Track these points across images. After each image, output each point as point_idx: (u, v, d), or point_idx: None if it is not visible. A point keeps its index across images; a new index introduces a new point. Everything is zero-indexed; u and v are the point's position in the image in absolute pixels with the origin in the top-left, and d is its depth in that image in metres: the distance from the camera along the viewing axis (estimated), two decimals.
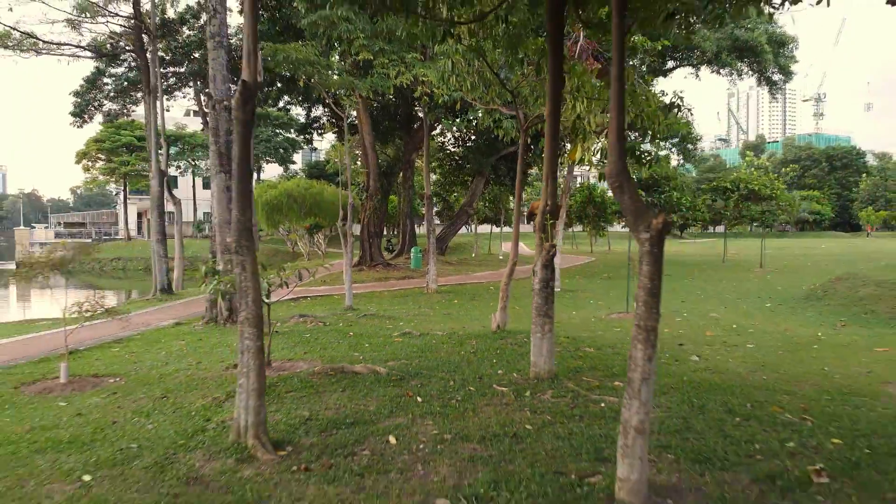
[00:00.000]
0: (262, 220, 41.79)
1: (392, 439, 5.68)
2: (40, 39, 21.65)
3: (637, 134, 13.57)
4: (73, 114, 29.94)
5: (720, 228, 64.36)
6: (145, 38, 22.86)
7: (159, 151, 23.47)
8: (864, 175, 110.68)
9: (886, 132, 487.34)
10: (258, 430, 5.64)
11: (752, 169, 60.27)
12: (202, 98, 25.78)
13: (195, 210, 72.61)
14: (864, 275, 18.61)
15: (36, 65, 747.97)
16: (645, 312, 4.41)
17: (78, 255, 56.67)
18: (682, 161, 39.59)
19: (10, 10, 31.91)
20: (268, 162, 69.20)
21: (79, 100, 30.03)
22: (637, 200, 4.67)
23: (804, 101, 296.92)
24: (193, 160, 68.19)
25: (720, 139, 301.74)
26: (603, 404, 6.68)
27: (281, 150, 64.70)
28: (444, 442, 5.58)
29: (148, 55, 22.96)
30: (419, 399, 7.02)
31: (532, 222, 9.20)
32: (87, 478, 4.94)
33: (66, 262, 19.75)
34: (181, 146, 65.42)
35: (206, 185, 71.90)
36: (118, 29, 24.58)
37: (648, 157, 10.56)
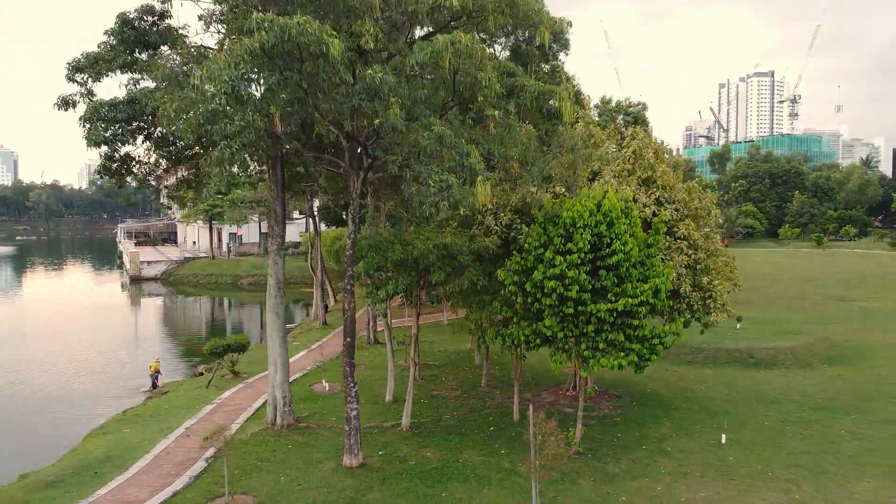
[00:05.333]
0: (331, 260, 64.60)
1: (444, 378, 28.89)
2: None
3: None
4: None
5: None
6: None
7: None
8: (797, 192, 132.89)
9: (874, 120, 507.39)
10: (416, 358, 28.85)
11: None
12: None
13: (259, 231, 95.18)
14: None
15: (37, 56, 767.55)
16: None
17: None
18: None
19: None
20: None
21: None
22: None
23: (779, 102, 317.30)
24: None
25: (703, 136, 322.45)
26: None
27: None
28: (452, 377, 28.75)
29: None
30: (447, 371, 30.19)
31: None
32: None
33: None
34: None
35: None
36: None
37: None
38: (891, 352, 32.95)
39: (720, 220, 25.01)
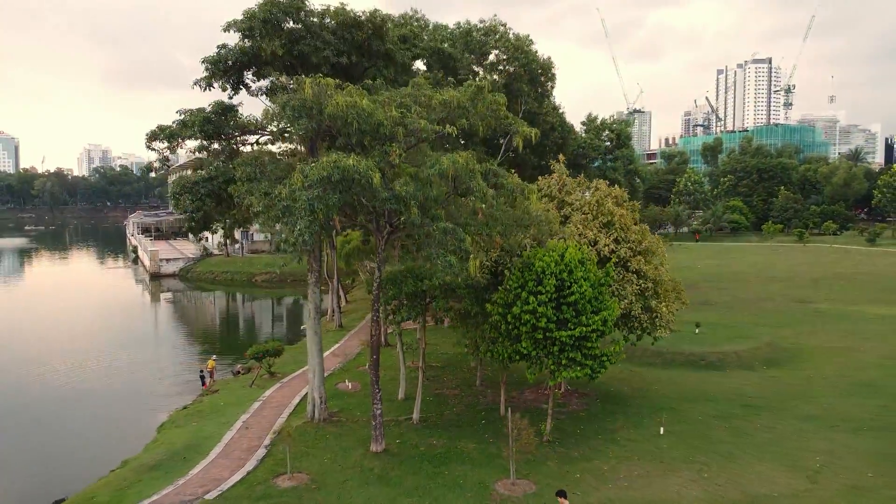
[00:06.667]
0: (341, 262, 70.51)
1: (445, 378, 34.93)
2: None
3: None
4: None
5: None
6: None
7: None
8: (781, 188, 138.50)
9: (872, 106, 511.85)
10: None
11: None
12: None
13: None
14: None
15: (31, 37, 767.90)
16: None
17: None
18: None
19: None
20: None
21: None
22: None
23: (775, 91, 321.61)
24: None
25: (699, 126, 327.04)
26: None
27: None
28: (452, 378, 34.84)
29: None
30: (448, 372, 36.25)
31: None
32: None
33: None
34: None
35: None
36: None
37: None
38: (822, 354, 39.07)
39: (665, 257, 30.85)
